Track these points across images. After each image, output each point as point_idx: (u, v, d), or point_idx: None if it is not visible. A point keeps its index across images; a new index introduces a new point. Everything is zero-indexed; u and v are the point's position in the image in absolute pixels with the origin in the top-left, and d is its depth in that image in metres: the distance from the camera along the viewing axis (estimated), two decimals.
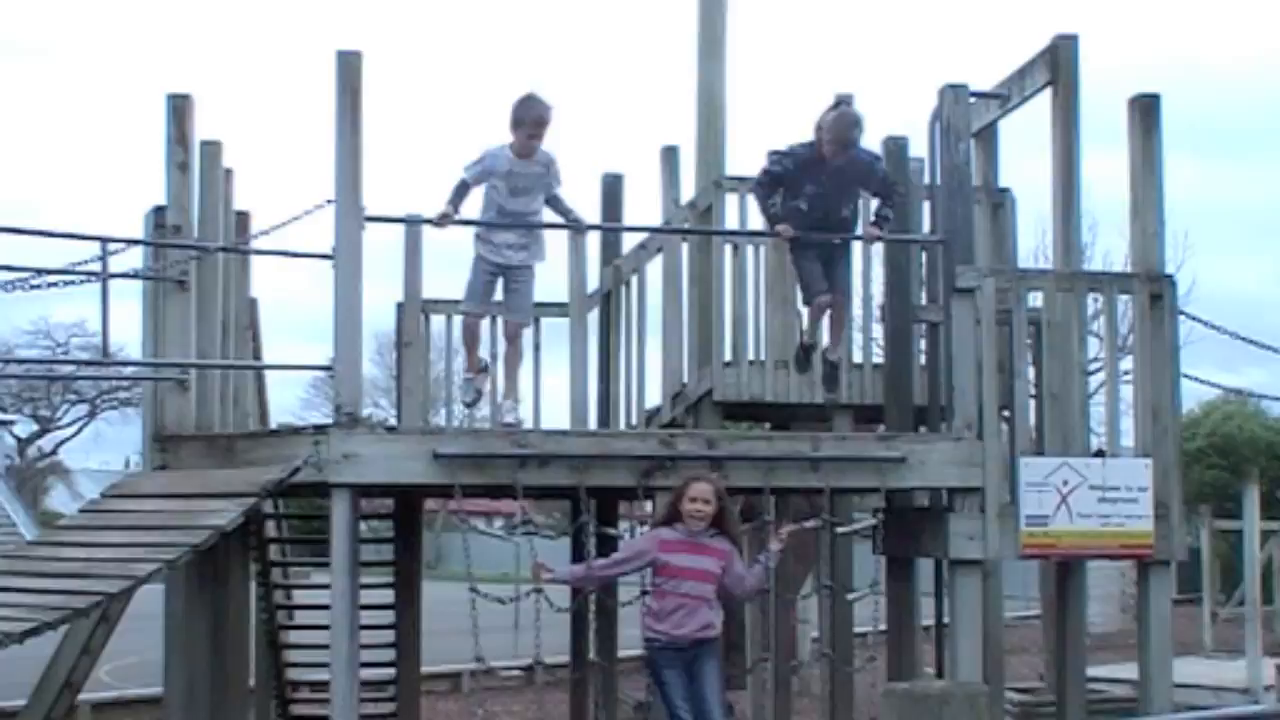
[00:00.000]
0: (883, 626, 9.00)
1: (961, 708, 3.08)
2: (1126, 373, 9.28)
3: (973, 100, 8.52)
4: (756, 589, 7.36)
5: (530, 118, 7.67)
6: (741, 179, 9.01)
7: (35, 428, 45.35)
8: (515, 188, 7.69)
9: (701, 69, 11.03)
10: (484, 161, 7.73)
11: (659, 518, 7.12)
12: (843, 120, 7.87)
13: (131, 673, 15.85)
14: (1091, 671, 11.40)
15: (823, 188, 7.89)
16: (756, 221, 8.86)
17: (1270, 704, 5.65)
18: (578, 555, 8.82)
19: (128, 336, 9.48)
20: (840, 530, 8.37)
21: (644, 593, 7.48)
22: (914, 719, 3.08)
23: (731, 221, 8.97)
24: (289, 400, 41.72)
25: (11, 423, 40.98)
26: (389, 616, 10.32)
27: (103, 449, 50.23)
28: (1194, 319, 9.58)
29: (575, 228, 7.97)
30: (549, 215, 7.90)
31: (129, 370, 9.00)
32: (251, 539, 11.40)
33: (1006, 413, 8.11)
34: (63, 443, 46.63)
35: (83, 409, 45.83)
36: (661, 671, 7.00)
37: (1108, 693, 16.03)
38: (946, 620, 8.43)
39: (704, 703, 6.96)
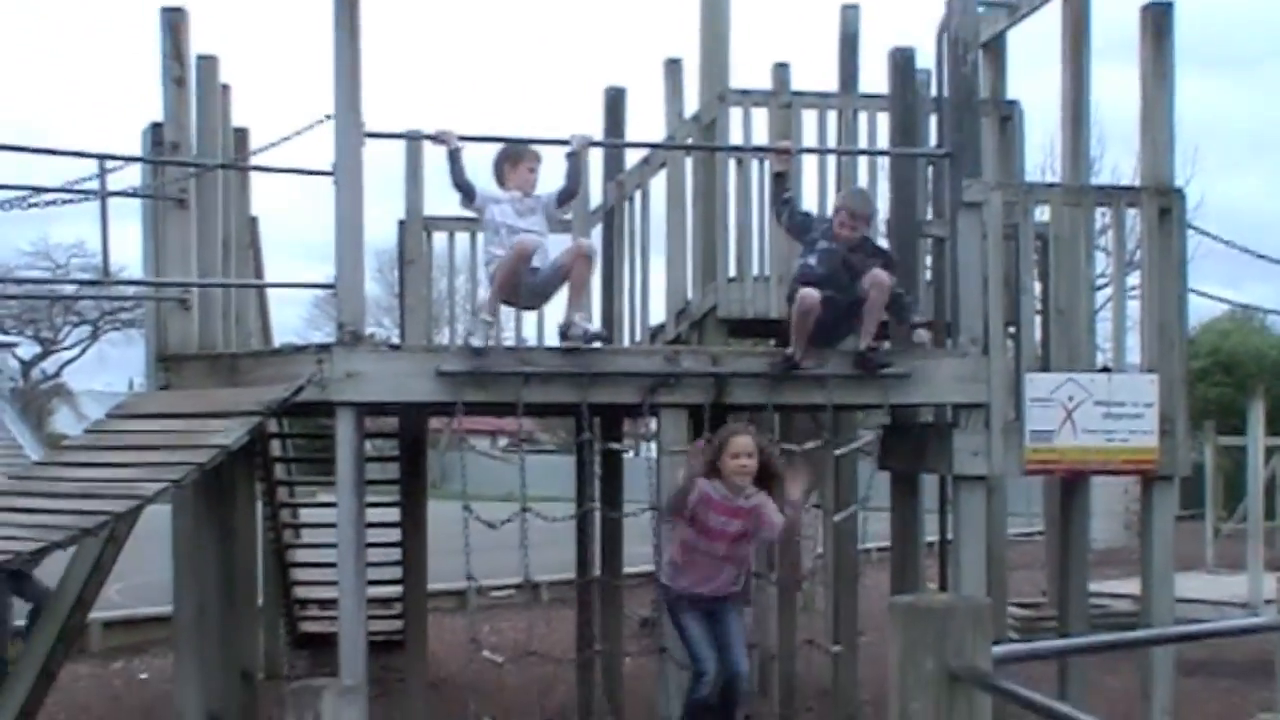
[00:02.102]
0: (885, 543, 9.04)
1: (965, 621, 3.07)
2: (1133, 288, 9.25)
3: (981, 10, 8.42)
4: (783, 535, 7.19)
5: (527, 153, 7.53)
6: (746, 92, 8.91)
7: (38, 350, 45.35)
8: (520, 211, 7.52)
9: None
10: (481, 193, 7.54)
11: (695, 472, 6.83)
12: (857, 195, 7.94)
13: (141, 592, 15.95)
14: (1094, 587, 11.45)
15: (833, 250, 7.72)
16: (761, 136, 8.79)
17: (1271, 617, 5.67)
18: (581, 472, 8.84)
19: (128, 257, 9.44)
20: (842, 450, 8.38)
21: (653, 508, 7.49)
22: (918, 632, 3.06)
23: (736, 136, 8.88)
24: (292, 319, 41.80)
25: (14, 345, 40.99)
26: (395, 535, 10.37)
27: (106, 371, 50.41)
28: (1203, 233, 9.52)
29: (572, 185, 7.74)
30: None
31: (130, 290, 8.96)
32: (257, 458, 11.46)
33: (1012, 329, 8.08)
34: (66, 364, 46.69)
35: (85, 331, 45.83)
36: (680, 617, 6.92)
37: (1110, 608, 16.12)
38: (950, 537, 8.45)
39: (729, 650, 6.85)
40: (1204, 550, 22.39)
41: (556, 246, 7.59)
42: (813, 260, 7.65)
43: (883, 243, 8.20)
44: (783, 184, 7.80)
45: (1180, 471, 7.90)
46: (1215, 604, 16.02)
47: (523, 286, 7.44)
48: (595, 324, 7.43)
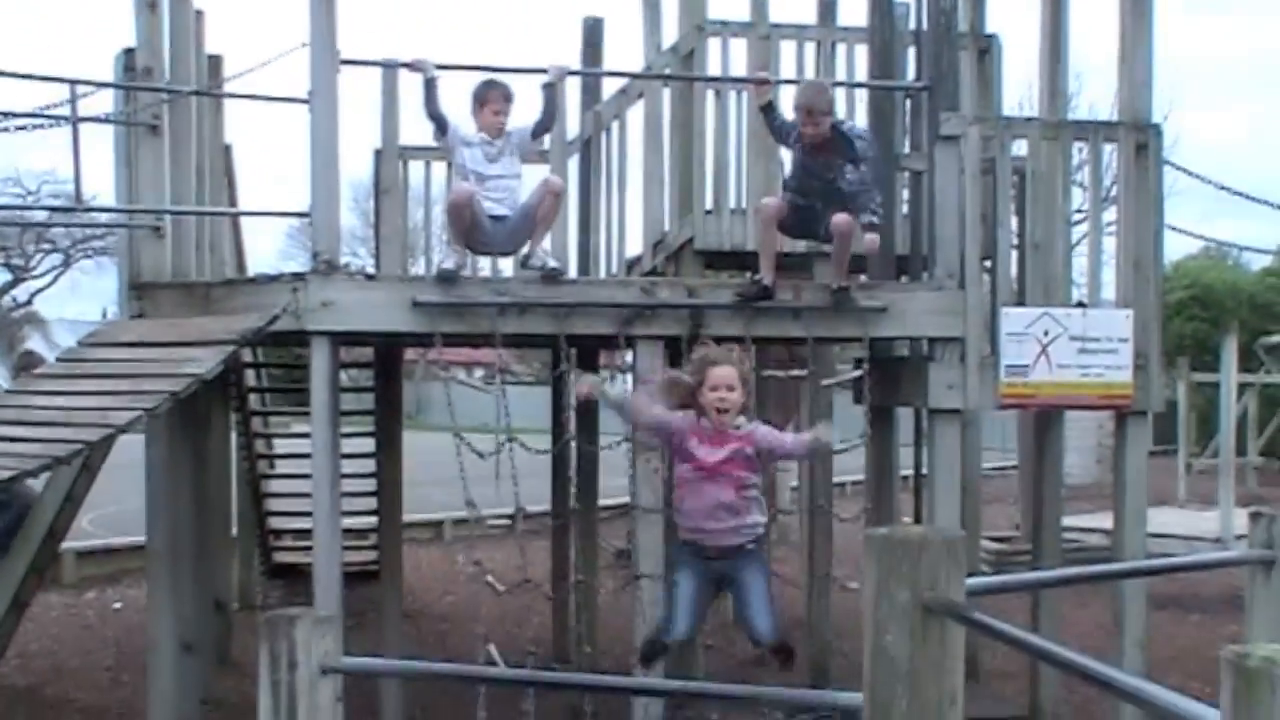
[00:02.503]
0: (858, 477, 9.07)
1: (939, 553, 3.07)
2: (1109, 224, 9.24)
3: None
4: (809, 450, 6.49)
5: (492, 94, 7.43)
6: (724, 23, 8.84)
7: (9, 277, 44.94)
8: (490, 155, 7.45)
9: None
10: (453, 131, 7.46)
11: (669, 407, 6.12)
12: (808, 89, 7.48)
13: (114, 521, 15.94)
14: (1066, 521, 11.52)
15: (804, 156, 7.62)
16: (740, 67, 8.72)
17: (1241, 551, 5.70)
18: (558, 404, 8.83)
19: (101, 184, 9.33)
20: (829, 382, 8.39)
21: (626, 440, 7.48)
22: (894, 563, 3.07)
23: (714, 67, 8.81)
24: (266, 250, 41.56)
25: None
26: (370, 465, 10.36)
27: (79, 299, 49.96)
28: (1179, 169, 9.51)
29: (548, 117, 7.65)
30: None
31: (103, 218, 8.87)
32: (231, 388, 11.42)
33: (988, 263, 8.07)
34: (37, 293, 46.30)
35: (57, 259, 45.42)
36: (676, 568, 6.27)
37: (1082, 542, 16.24)
38: (925, 471, 8.48)
39: (751, 620, 6.08)
40: (1176, 486, 22.57)
41: (534, 178, 7.55)
42: (788, 170, 7.65)
43: (859, 125, 8.01)
44: (771, 115, 7.69)
45: (1154, 407, 7.92)
46: (1186, 539, 16.19)
47: (484, 234, 7.42)
48: (554, 260, 7.37)
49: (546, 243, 7.50)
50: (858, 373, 7.88)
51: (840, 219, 7.17)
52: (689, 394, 5.98)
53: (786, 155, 7.85)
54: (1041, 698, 8.74)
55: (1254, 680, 1.81)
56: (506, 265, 8.54)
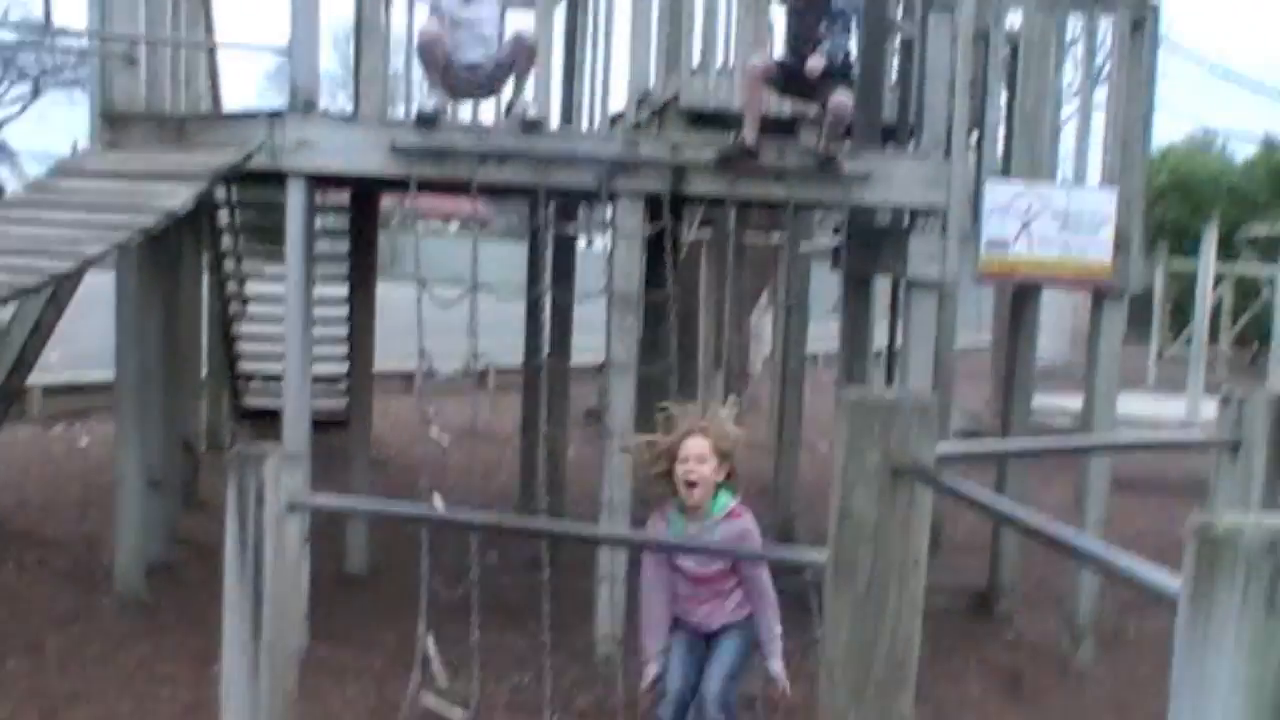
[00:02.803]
0: (836, 347, 9.07)
1: (911, 416, 3.04)
2: (1100, 104, 9.14)
3: None
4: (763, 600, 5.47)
5: None
6: None
7: None
8: None
9: None
10: None
11: (660, 468, 5.44)
12: None
13: (82, 358, 15.88)
14: (1037, 401, 11.58)
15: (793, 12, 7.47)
16: None
17: (1207, 434, 5.73)
18: (534, 258, 8.76)
19: (71, 15, 9.10)
20: (807, 248, 8.34)
21: (605, 292, 7.41)
22: (865, 425, 3.04)
23: None
24: (243, 92, 40.93)
25: None
26: (343, 312, 10.30)
27: (48, 131, 49.19)
28: (1174, 47, 9.37)
29: None
30: None
31: (74, 44, 8.67)
32: (204, 227, 11.30)
33: (975, 135, 7.99)
34: (5, 123, 45.56)
35: (26, 88, 44.59)
36: (669, 649, 5.59)
37: (1051, 423, 16.36)
38: (899, 346, 8.47)
39: (707, 673, 5.45)
40: (1146, 372, 22.73)
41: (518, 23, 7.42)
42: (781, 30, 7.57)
43: None
44: None
45: (1132, 288, 7.90)
46: (1154, 424, 16.32)
47: (458, 79, 7.30)
48: (535, 109, 7.26)
49: (529, 92, 7.39)
50: (836, 241, 7.81)
51: (837, 101, 7.10)
52: (670, 459, 5.37)
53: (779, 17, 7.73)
54: (1001, 572, 8.85)
55: (1218, 547, 1.79)
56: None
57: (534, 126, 7.15)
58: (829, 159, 7.31)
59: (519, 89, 7.30)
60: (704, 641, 5.53)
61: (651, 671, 5.48)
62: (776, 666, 5.44)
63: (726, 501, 5.38)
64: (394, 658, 7.12)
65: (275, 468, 3.59)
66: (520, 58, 7.21)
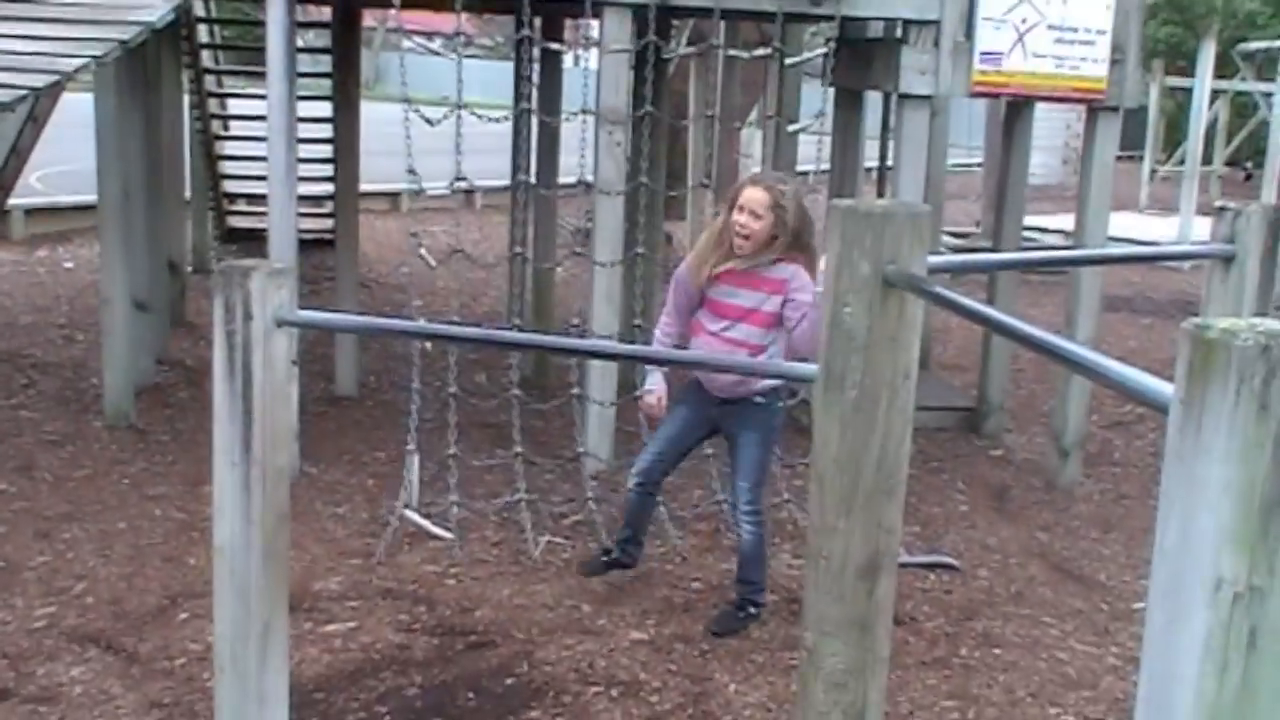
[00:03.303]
0: (826, 166, 8.98)
1: (903, 226, 3.01)
2: None
3: None
4: (807, 346, 5.03)
5: None
6: None
7: None
8: None
9: None
10: None
11: (712, 232, 5.41)
12: None
13: (63, 181, 15.75)
14: (1028, 220, 11.54)
15: None
16: None
17: (1199, 247, 5.68)
18: (519, 73, 8.60)
19: None
20: (793, 61, 8.19)
21: (587, 112, 7.30)
22: (857, 234, 3.01)
23: None
24: None
25: None
26: (326, 131, 10.16)
27: None
28: None
29: None
30: None
31: None
32: (184, 44, 11.09)
33: None
34: None
35: None
36: (673, 407, 5.60)
37: (1042, 241, 16.37)
38: (890, 163, 8.38)
39: (735, 476, 5.50)
40: (1139, 192, 22.63)
41: None
42: None
43: None
44: None
45: (1127, 103, 7.79)
46: (1145, 243, 16.31)
47: None
48: None
49: None
50: (825, 51, 7.66)
51: None
52: (729, 207, 5.27)
53: None
54: (989, 389, 8.89)
55: (1212, 350, 1.77)
56: None
57: None
58: None
59: None
60: (713, 416, 5.47)
61: (650, 381, 5.52)
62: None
63: (769, 256, 5.22)
64: (384, 477, 7.17)
65: (262, 283, 3.55)
66: None
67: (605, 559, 5.87)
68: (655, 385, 5.53)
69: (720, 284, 5.28)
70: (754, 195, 5.13)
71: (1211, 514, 1.74)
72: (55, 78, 6.25)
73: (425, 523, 6.51)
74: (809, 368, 3.27)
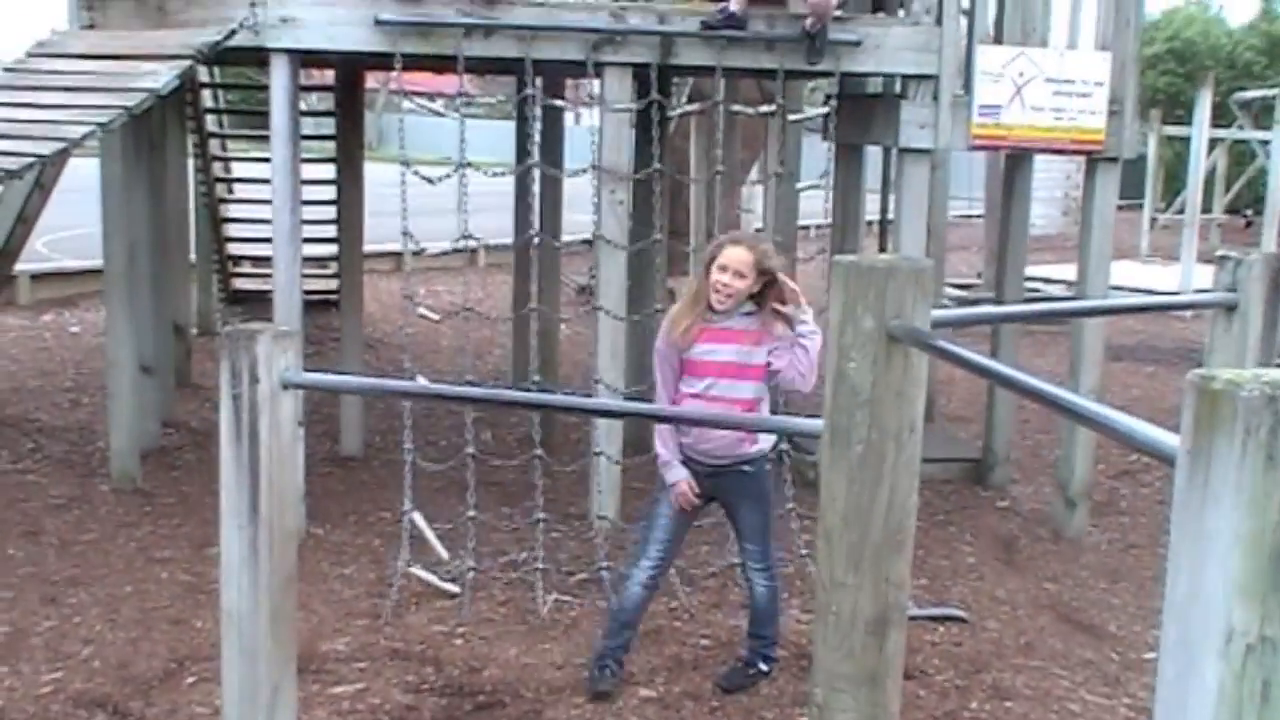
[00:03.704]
0: (828, 220, 9.02)
1: (906, 281, 3.02)
2: None
3: None
4: (809, 373, 5.06)
5: None
6: None
7: None
8: None
9: None
10: None
11: (688, 293, 5.31)
12: None
13: (69, 245, 15.83)
14: (1030, 271, 11.58)
15: None
16: None
17: (1202, 295, 5.69)
18: (522, 131, 8.66)
19: None
20: (796, 118, 8.24)
21: (594, 168, 7.34)
22: (860, 290, 3.02)
23: None
24: None
25: None
26: (330, 193, 10.22)
27: (21, 15, 48.43)
28: None
29: None
30: None
31: None
32: (188, 109, 11.17)
33: (966, 0, 7.87)
34: None
35: None
36: (660, 499, 5.40)
37: (1043, 291, 16.38)
38: (891, 216, 8.42)
39: (743, 540, 5.44)
40: (1139, 240, 22.69)
41: None
42: None
43: None
44: None
45: (1126, 153, 7.83)
46: (1146, 292, 16.34)
47: None
48: None
49: None
50: (826, 109, 7.72)
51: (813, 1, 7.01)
52: (707, 265, 5.14)
53: None
54: (995, 440, 8.88)
55: (1218, 401, 1.78)
56: None
57: None
58: (814, 33, 7.19)
59: None
60: (705, 489, 5.27)
61: (678, 473, 5.24)
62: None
63: (749, 306, 5.16)
64: (391, 537, 7.15)
65: (268, 346, 3.57)
66: None
67: (607, 672, 5.49)
68: (681, 474, 5.26)
69: (699, 343, 5.15)
70: (738, 254, 5.05)
71: (1221, 565, 1.74)
72: (62, 145, 6.29)
73: (432, 578, 6.50)
74: (814, 423, 3.27)
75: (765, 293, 5.10)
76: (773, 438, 5.45)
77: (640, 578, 5.39)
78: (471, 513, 6.77)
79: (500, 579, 6.68)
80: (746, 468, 5.28)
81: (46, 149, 6.35)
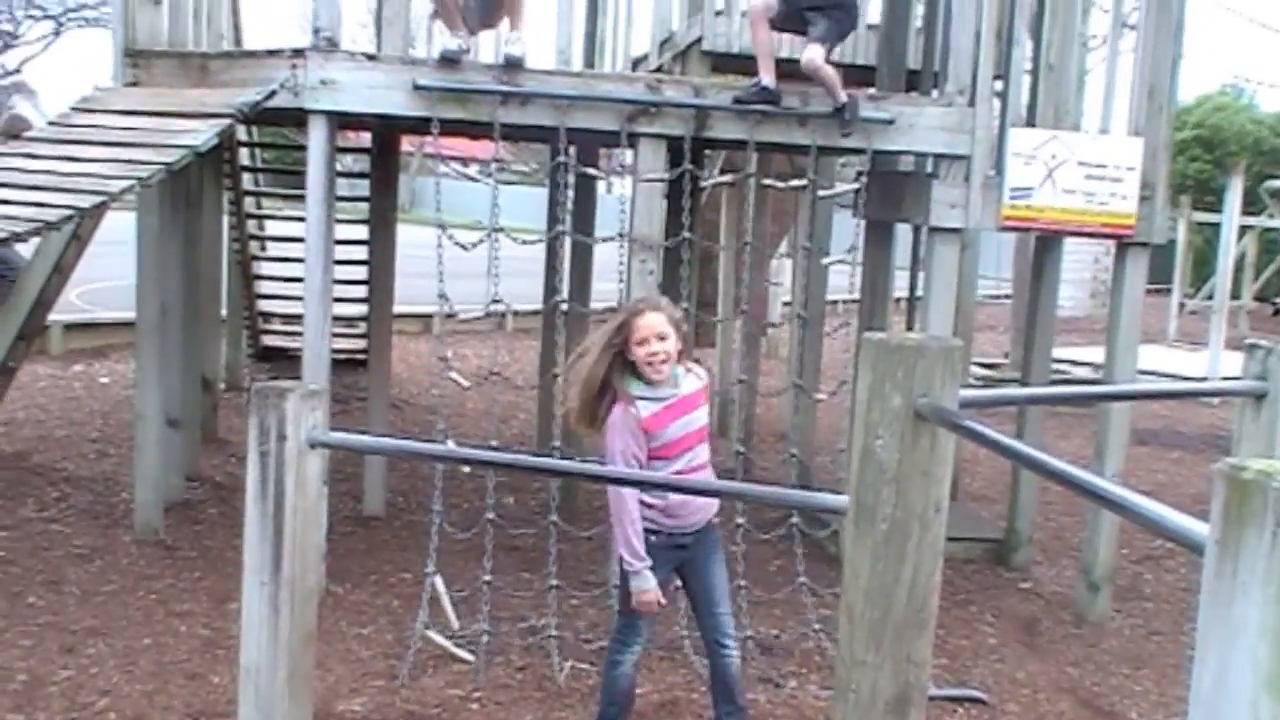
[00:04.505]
0: (856, 295, 9.04)
1: (935, 360, 3.03)
2: (1125, 52, 9.06)
3: None
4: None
5: None
6: None
7: None
8: None
9: None
10: None
11: (597, 381, 4.95)
12: None
13: (103, 297, 15.96)
14: (1057, 353, 11.55)
15: None
16: None
17: (1229, 383, 5.67)
18: (554, 199, 8.72)
19: None
20: (826, 194, 8.28)
21: (621, 235, 7.38)
22: (889, 368, 3.03)
23: None
24: (265, 35, 40.70)
25: None
26: (362, 253, 10.30)
27: (68, 70, 48.97)
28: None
29: None
30: None
31: None
32: (225, 166, 11.29)
33: (999, 83, 7.92)
34: (26, 60, 45.35)
35: (47, 26, 44.37)
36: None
37: (1070, 374, 16.34)
38: (919, 293, 8.43)
39: (714, 605, 5.19)
40: (1167, 325, 22.65)
41: None
42: None
43: None
44: None
45: (1156, 238, 7.84)
46: (1173, 377, 16.28)
47: (468, 11, 7.31)
48: (517, 48, 7.19)
49: (518, 31, 7.37)
50: (857, 186, 7.76)
51: (809, 58, 7.05)
52: (617, 359, 4.95)
53: None
54: (1018, 521, 8.84)
55: (1247, 492, 1.78)
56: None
57: (515, 65, 7.11)
58: (840, 109, 7.25)
59: (513, 25, 7.30)
60: (678, 559, 5.12)
61: (648, 583, 4.97)
62: None
63: (681, 372, 5.03)
64: (411, 599, 7.15)
65: (297, 405, 3.60)
66: None
67: None
68: (650, 584, 5.00)
69: (666, 427, 4.96)
70: (654, 320, 4.89)
71: (1249, 658, 1.73)
72: (101, 198, 6.37)
73: (448, 644, 6.49)
74: (840, 499, 3.27)
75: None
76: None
77: (631, 659, 5.24)
78: (489, 577, 6.76)
79: (517, 645, 6.66)
80: (713, 519, 5.17)
81: (85, 202, 6.43)
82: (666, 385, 4.96)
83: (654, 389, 4.94)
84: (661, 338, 4.87)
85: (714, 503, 5.16)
